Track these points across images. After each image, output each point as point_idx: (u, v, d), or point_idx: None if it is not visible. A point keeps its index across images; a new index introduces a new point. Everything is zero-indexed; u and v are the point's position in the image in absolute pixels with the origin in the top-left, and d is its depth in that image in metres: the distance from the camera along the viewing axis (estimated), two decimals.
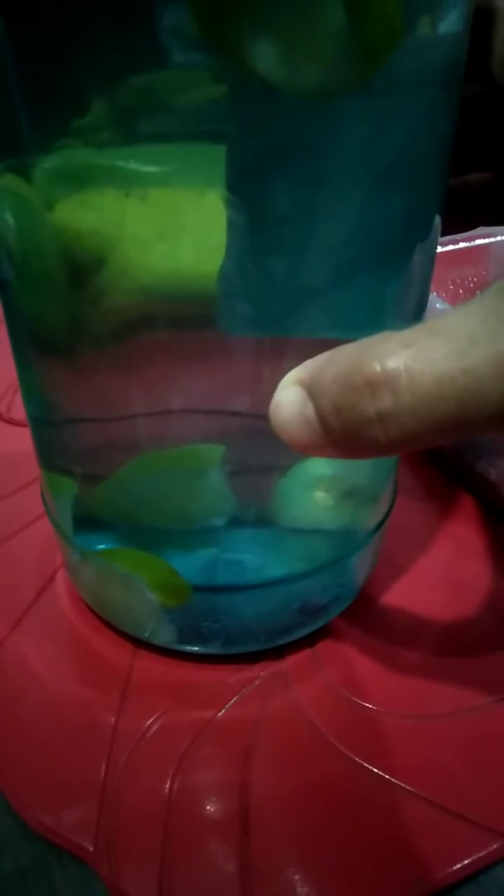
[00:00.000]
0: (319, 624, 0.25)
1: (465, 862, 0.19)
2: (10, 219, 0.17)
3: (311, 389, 0.15)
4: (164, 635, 0.24)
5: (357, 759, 0.22)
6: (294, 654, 0.25)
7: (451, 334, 0.13)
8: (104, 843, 0.20)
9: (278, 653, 0.25)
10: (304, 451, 0.15)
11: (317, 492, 0.21)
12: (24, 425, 0.34)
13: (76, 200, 0.15)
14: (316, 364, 0.15)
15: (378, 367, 0.13)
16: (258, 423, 0.19)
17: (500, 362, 0.12)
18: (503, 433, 0.13)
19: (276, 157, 0.15)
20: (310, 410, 0.15)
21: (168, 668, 0.24)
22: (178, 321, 0.17)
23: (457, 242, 0.36)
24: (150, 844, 0.20)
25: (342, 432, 0.14)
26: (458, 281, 0.37)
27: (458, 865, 0.19)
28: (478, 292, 0.37)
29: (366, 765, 0.21)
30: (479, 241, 0.36)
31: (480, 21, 0.16)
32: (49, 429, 0.22)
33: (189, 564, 0.22)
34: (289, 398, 0.15)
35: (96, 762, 0.21)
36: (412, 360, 0.13)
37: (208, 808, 0.20)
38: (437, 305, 0.29)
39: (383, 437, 0.14)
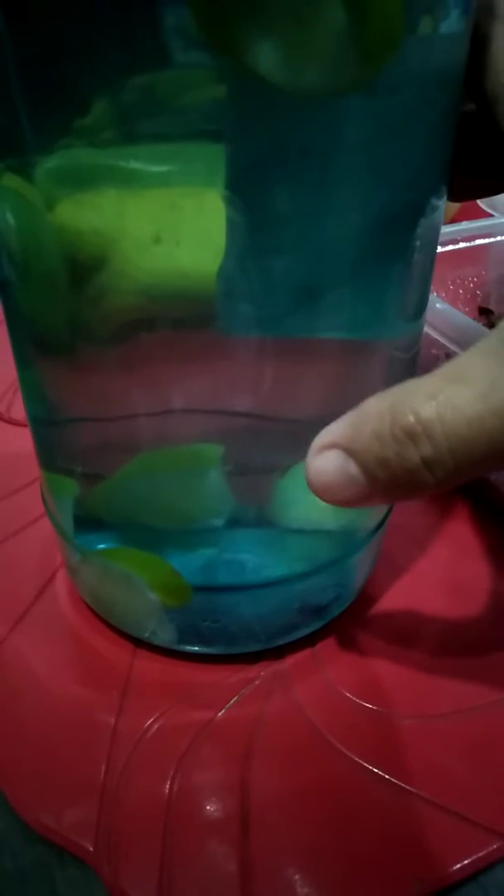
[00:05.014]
0: (319, 624, 0.25)
1: (465, 862, 0.19)
2: (10, 219, 0.17)
3: (352, 448, 0.16)
4: (165, 635, 0.24)
5: (357, 759, 0.22)
6: (294, 654, 0.25)
7: (473, 379, 0.14)
8: (104, 843, 0.20)
9: (278, 653, 0.25)
10: (352, 505, 0.16)
11: None
12: (24, 425, 0.34)
13: (77, 200, 0.15)
14: (346, 425, 0.16)
15: (412, 419, 0.15)
16: (258, 423, 0.19)
17: None
18: None
19: (276, 157, 0.15)
20: (353, 468, 0.16)
21: (168, 668, 0.24)
22: (178, 321, 0.17)
23: (457, 242, 0.36)
24: (150, 844, 0.20)
25: (390, 482, 0.15)
26: (458, 281, 0.37)
27: (458, 865, 0.19)
28: (478, 293, 0.37)
29: (366, 765, 0.21)
30: (479, 241, 0.36)
31: (473, 44, 0.16)
32: (49, 429, 0.22)
33: (189, 564, 0.22)
34: (329, 461, 0.16)
35: (96, 762, 0.21)
36: (443, 408, 0.14)
37: (208, 808, 0.20)
38: (437, 305, 0.29)
39: (431, 480, 0.15)
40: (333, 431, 0.16)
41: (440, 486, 0.15)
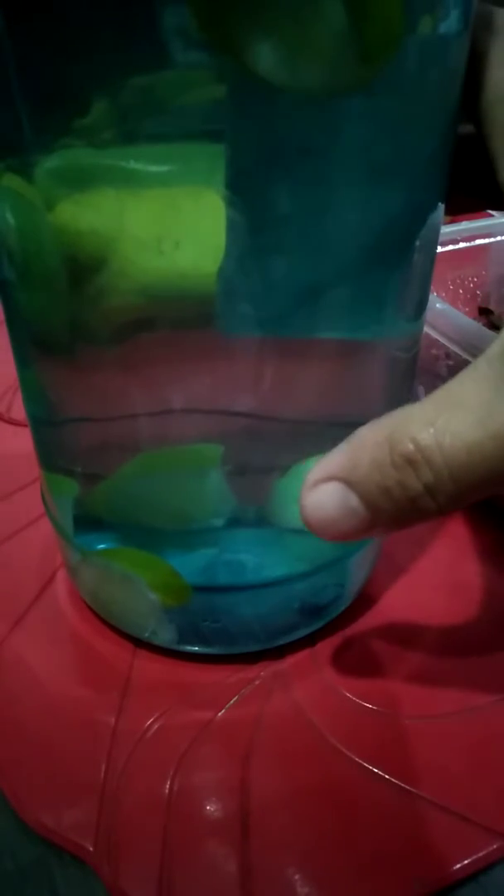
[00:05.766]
0: (319, 624, 0.25)
1: (465, 862, 0.19)
2: (10, 219, 0.17)
3: (351, 479, 0.15)
4: (165, 635, 0.24)
5: (357, 759, 0.22)
6: (294, 654, 0.25)
7: (469, 405, 0.14)
8: (104, 843, 0.20)
9: (278, 653, 0.25)
10: (352, 538, 0.16)
11: None
12: (24, 425, 0.34)
13: (77, 200, 0.15)
14: (342, 457, 0.16)
15: (412, 447, 0.15)
16: (258, 423, 0.19)
17: None
18: None
19: (276, 157, 0.15)
20: (353, 500, 0.15)
21: (168, 668, 0.24)
22: (178, 321, 0.17)
23: (457, 242, 0.36)
24: (150, 844, 0.20)
25: (394, 511, 0.15)
26: (458, 281, 0.37)
27: (458, 865, 0.19)
28: (478, 293, 0.37)
29: (366, 765, 0.21)
30: (479, 241, 0.36)
31: (470, 59, 0.16)
32: (49, 429, 0.22)
33: (189, 564, 0.22)
34: (327, 494, 0.16)
35: (96, 762, 0.21)
36: (441, 434, 0.14)
37: (208, 808, 0.20)
38: (437, 305, 0.29)
39: (434, 507, 0.15)
40: (329, 464, 0.16)
41: (442, 511, 0.15)
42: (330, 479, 0.16)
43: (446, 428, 0.14)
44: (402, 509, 0.15)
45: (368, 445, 0.15)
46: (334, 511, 0.16)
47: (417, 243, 0.18)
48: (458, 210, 0.20)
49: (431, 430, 0.14)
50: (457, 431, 0.14)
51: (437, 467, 0.14)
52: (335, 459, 0.16)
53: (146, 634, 0.24)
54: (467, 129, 0.18)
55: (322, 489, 0.16)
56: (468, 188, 0.19)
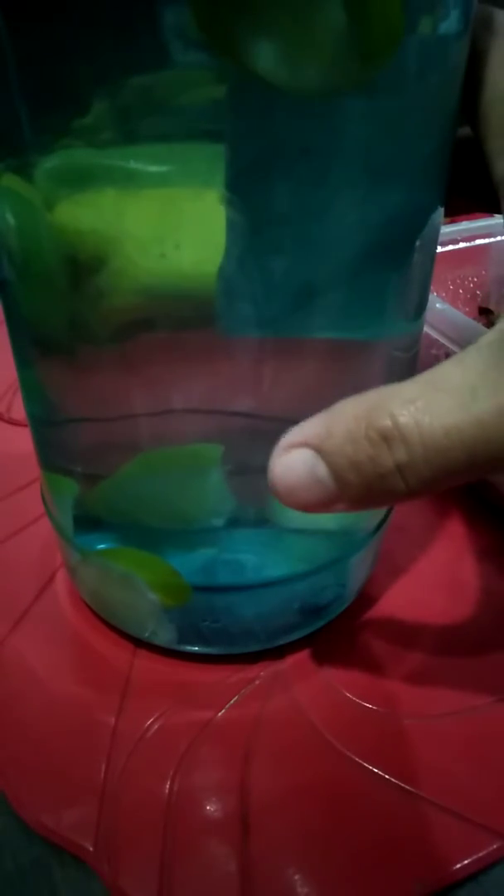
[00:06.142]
0: (319, 624, 0.25)
1: (465, 862, 0.19)
2: (10, 219, 0.17)
3: (323, 448, 0.15)
4: (165, 635, 0.24)
5: (357, 759, 0.22)
6: (294, 654, 0.25)
7: (454, 388, 0.14)
8: (104, 843, 0.20)
9: (278, 653, 0.25)
10: (314, 510, 0.16)
11: None
12: (24, 425, 0.34)
13: (77, 200, 0.15)
14: (319, 425, 0.15)
15: (389, 423, 0.14)
16: (258, 423, 0.19)
17: (502, 412, 0.14)
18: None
19: (276, 157, 0.15)
20: (321, 470, 0.15)
21: (168, 668, 0.24)
22: (178, 321, 0.17)
23: (457, 242, 0.36)
24: (150, 844, 0.20)
25: (361, 486, 0.15)
26: (458, 281, 0.37)
27: (458, 865, 0.19)
28: (478, 293, 0.37)
29: (366, 765, 0.21)
30: (479, 241, 0.36)
31: (470, 59, 0.16)
32: (49, 429, 0.22)
33: (189, 564, 0.22)
34: (296, 460, 0.15)
35: (96, 762, 0.21)
36: (421, 413, 0.14)
37: (208, 808, 0.20)
38: (437, 305, 0.29)
39: (403, 487, 0.15)
40: (304, 430, 0.15)
41: (411, 494, 0.15)
42: (302, 444, 0.15)
43: (427, 409, 0.14)
44: (369, 486, 0.15)
45: (346, 417, 0.15)
46: (301, 479, 0.15)
47: (417, 243, 0.18)
48: (453, 212, 0.20)
49: (412, 409, 0.14)
50: (437, 413, 0.14)
51: (412, 447, 0.14)
52: (311, 425, 0.15)
53: (146, 634, 0.24)
54: (464, 131, 0.18)
55: (293, 454, 0.15)
56: (463, 190, 0.19)
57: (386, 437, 0.14)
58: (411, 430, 0.14)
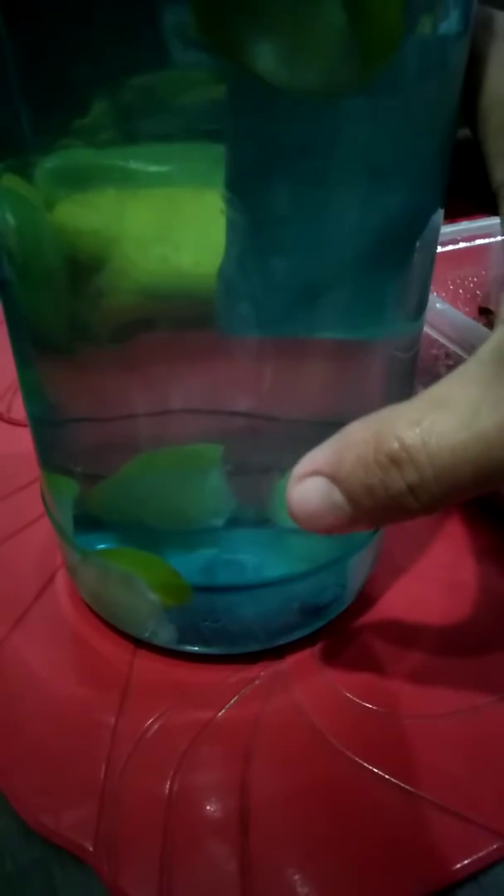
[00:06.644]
0: (319, 624, 0.25)
1: (465, 862, 0.19)
2: (10, 219, 0.17)
3: (336, 475, 0.15)
4: (165, 635, 0.24)
5: (357, 759, 0.22)
6: (294, 654, 0.25)
7: (456, 406, 0.14)
8: (104, 843, 0.20)
9: (278, 653, 0.25)
10: (335, 532, 0.16)
11: None
12: (24, 425, 0.34)
13: (77, 200, 0.15)
14: (329, 452, 0.16)
15: (397, 445, 0.15)
16: (258, 423, 0.19)
17: None
18: None
19: (276, 157, 0.15)
20: (337, 496, 0.16)
21: (168, 668, 0.24)
22: (178, 321, 0.17)
23: (457, 242, 0.36)
24: (150, 844, 0.20)
25: (375, 508, 0.15)
26: (458, 281, 0.37)
27: (458, 865, 0.19)
28: (478, 293, 0.37)
29: (366, 765, 0.21)
30: (479, 241, 0.36)
31: (470, 61, 0.16)
32: (49, 429, 0.22)
33: (189, 564, 0.22)
34: (311, 489, 0.16)
35: (96, 762, 0.21)
36: (427, 434, 0.14)
37: (208, 808, 0.20)
38: (438, 305, 0.29)
39: (416, 506, 0.15)
40: (316, 458, 0.16)
41: (425, 511, 0.15)
42: (315, 473, 0.16)
43: (432, 428, 0.14)
44: (384, 507, 0.15)
45: (354, 442, 0.15)
46: (319, 505, 0.16)
47: (417, 243, 0.18)
48: (452, 214, 0.20)
49: (417, 430, 0.14)
50: (442, 432, 0.14)
51: (421, 467, 0.14)
52: (322, 454, 0.16)
53: (146, 634, 0.24)
54: (463, 132, 0.18)
55: (307, 483, 0.16)
56: (462, 191, 0.19)
57: (395, 460, 0.15)
58: (419, 451, 0.14)
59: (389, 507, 0.15)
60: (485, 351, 0.15)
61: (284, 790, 0.21)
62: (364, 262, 0.17)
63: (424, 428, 0.14)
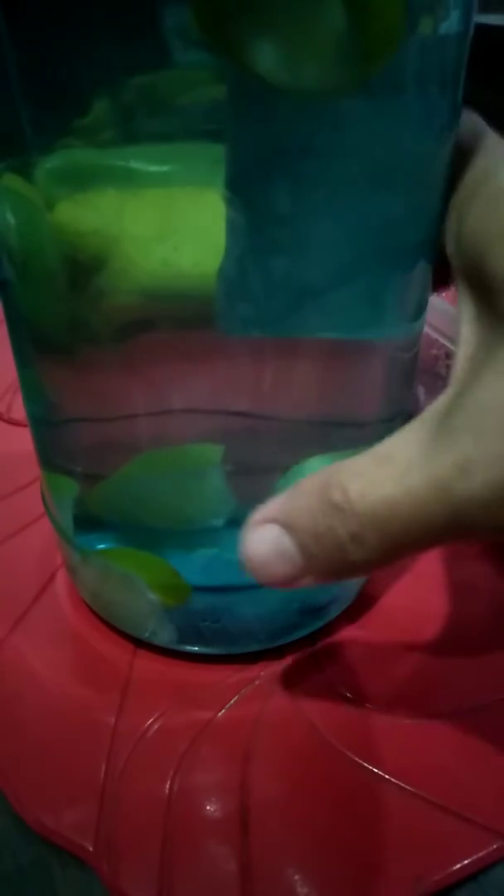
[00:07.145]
0: (319, 624, 0.25)
1: (465, 862, 0.19)
2: (10, 219, 0.17)
3: (287, 522, 0.16)
4: (165, 635, 0.24)
5: (357, 760, 0.22)
6: (294, 654, 0.25)
7: (397, 461, 0.15)
8: (104, 843, 0.20)
9: (278, 653, 0.25)
10: (283, 585, 0.16)
11: None
12: (24, 425, 0.34)
13: (77, 200, 0.15)
14: (283, 500, 0.16)
15: (339, 494, 0.15)
16: (258, 423, 0.19)
17: (435, 484, 0.14)
18: (462, 542, 0.15)
19: (276, 157, 0.15)
20: (286, 543, 0.16)
21: (168, 668, 0.24)
22: (179, 321, 0.17)
23: None
24: (150, 844, 0.20)
25: (323, 557, 0.16)
26: None
27: (458, 865, 0.19)
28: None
29: (366, 765, 0.21)
30: None
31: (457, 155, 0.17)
32: (49, 429, 0.22)
33: (189, 564, 0.22)
34: (263, 536, 0.16)
35: (96, 762, 0.21)
36: (368, 486, 0.15)
37: (208, 808, 0.20)
38: (438, 305, 0.29)
39: (359, 555, 0.15)
40: (270, 506, 0.16)
41: (373, 563, 0.15)
42: (270, 520, 0.16)
43: (372, 480, 0.15)
44: (331, 557, 0.15)
45: (306, 490, 0.16)
46: (268, 552, 0.16)
47: (418, 243, 0.18)
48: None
49: (360, 481, 0.15)
50: (380, 486, 0.15)
51: (360, 517, 0.15)
52: (276, 502, 0.16)
53: (146, 634, 0.24)
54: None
55: (262, 530, 0.16)
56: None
57: (338, 509, 0.15)
58: (357, 502, 0.15)
59: (336, 558, 0.15)
60: (429, 411, 0.15)
61: (284, 790, 0.21)
62: (364, 263, 0.17)
63: (367, 479, 0.15)
